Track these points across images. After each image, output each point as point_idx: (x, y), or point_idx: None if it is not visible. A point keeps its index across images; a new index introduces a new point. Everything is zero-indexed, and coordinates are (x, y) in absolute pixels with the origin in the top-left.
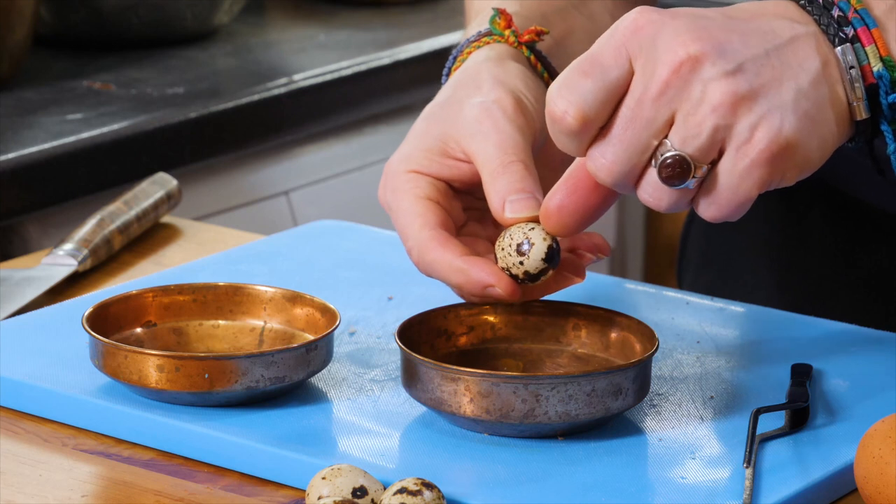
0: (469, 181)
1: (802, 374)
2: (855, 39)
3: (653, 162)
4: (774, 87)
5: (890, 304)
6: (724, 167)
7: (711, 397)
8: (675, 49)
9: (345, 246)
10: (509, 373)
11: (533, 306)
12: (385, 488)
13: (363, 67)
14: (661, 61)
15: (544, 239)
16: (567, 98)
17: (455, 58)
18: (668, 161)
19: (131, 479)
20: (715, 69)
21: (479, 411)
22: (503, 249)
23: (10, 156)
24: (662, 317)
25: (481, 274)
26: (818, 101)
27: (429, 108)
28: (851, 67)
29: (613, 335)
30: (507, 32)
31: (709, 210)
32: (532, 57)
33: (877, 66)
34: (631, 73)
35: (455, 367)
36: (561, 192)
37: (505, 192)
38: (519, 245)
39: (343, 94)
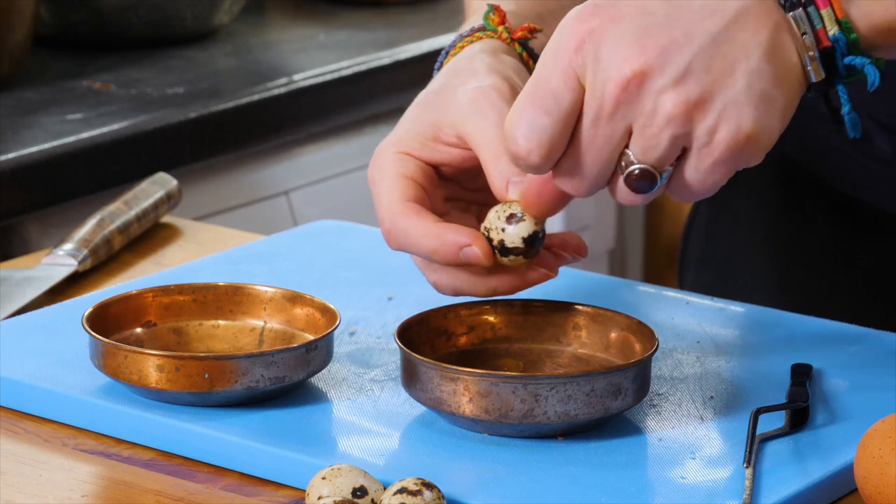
0: (458, 167)
1: (802, 374)
2: (810, 2)
3: (619, 171)
4: (727, 80)
5: (890, 303)
6: (689, 167)
7: (711, 397)
8: (620, 65)
9: (345, 246)
10: (508, 373)
11: (533, 306)
12: (385, 488)
13: (363, 67)
14: (608, 78)
15: (535, 224)
16: (528, 137)
17: (447, 52)
18: (634, 172)
19: (131, 479)
20: (663, 79)
21: (479, 411)
22: (496, 212)
23: (10, 156)
24: (662, 317)
25: (456, 235)
26: (773, 76)
27: (422, 96)
28: (804, 34)
29: (613, 335)
30: (500, 28)
31: (680, 196)
32: (524, 53)
33: (832, 30)
34: (583, 91)
35: (454, 366)
36: (538, 180)
37: (508, 173)
38: (512, 214)
39: (343, 94)
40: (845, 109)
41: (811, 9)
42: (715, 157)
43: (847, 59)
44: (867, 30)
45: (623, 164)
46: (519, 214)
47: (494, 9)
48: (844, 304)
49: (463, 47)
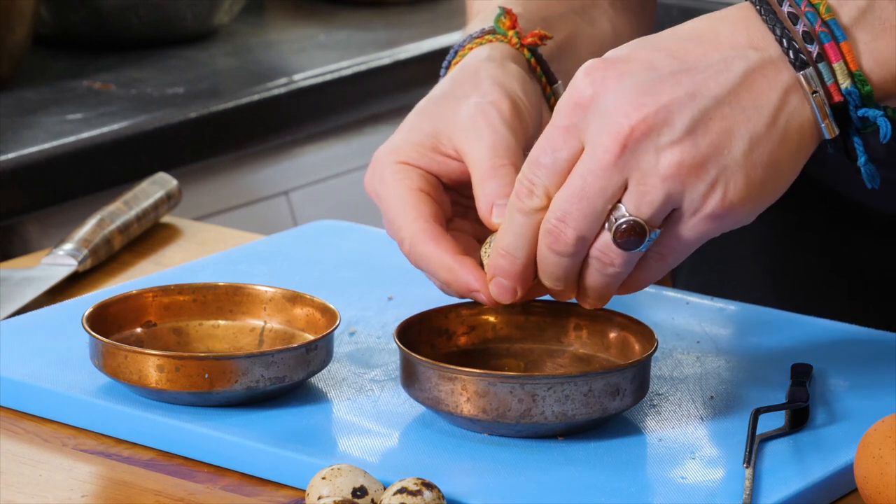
0: (458, 179)
1: (802, 374)
2: (821, 58)
3: (606, 226)
4: (725, 145)
5: (883, 302)
6: (678, 231)
7: (711, 397)
8: (620, 121)
9: (345, 246)
10: (506, 372)
11: (533, 306)
12: (385, 488)
13: (363, 67)
14: (608, 133)
15: None
16: (530, 179)
17: (456, 52)
18: (624, 226)
19: (131, 479)
20: (662, 139)
21: (476, 411)
22: (490, 257)
23: (10, 156)
24: (662, 317)
25: (469, 277)
26: (775, 141)
27: (423, 103)
28: (815, 92)
29: (613, 335)
30: (510, 33)
31: (661, 258)
32: (532, 60)
33: (845, 84)
34: (581, 148)
35: (452, 366)
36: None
37: (493, 196)
38: None
39: (343, 94)
40: (861, 161)
41: (822, 65)
42: (704, 221)
43: (860, 112)
44: (881, 80)
45: (613, 217)
46: None
47: (506, 12)
48: (838, 305)
49: (471, 49)
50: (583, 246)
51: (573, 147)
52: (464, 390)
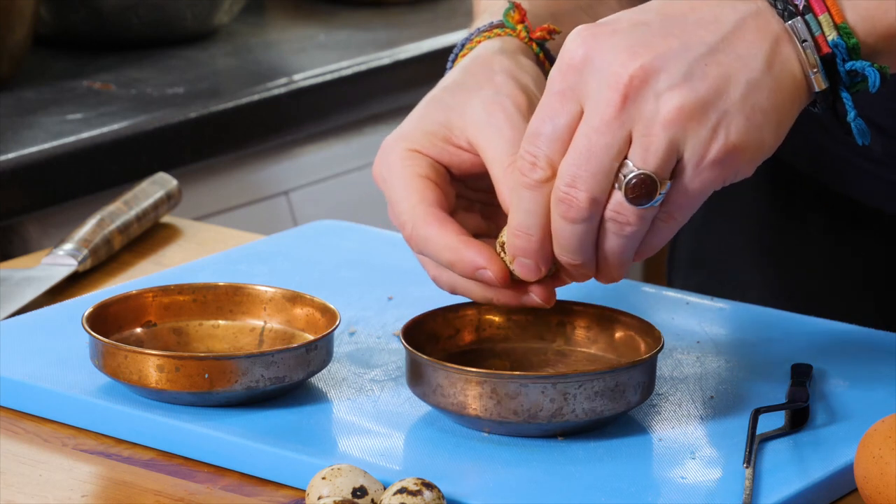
0: (467, 171)
1: (802, 374)
2: (807, 10)
3: (616, 185)
4: (723, 89)
5: (881, 302)
6: (684, 183)
7: (711, 397)
8: (618, 71)
9: (345, 246)
10: (537, 373)
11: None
12: (385, 488)
13: (363, 67)
14: (608, 85)
15: None
16: (531, 151)
17: (463, 45)
18: (634, 181)
19: (131, 479)
20: (660, 84)
21: (508, 413)
22: (507, 238)
23: (10, 156)
24: (662, 317)
25: (475, 255)
26: (771, 87)
27: (435, 92)
28: (804, 41)
29: (619, 334)
30: (519, 27)
31: (669, 215)
32: (541, 54)
33: (831, 36)
34: (580, 111)
35: (480, 370)
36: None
37: None
38: None
39: (343, 94)
40: (851, 116)
41: (809, 16)
42: (705, 166)
43: (848, 65)
44: (866, 34)
45: (622, 175)
46: None
47: (515, 6)
48: (837, 304)
49: (480, 42)
50: (596, 209)
51: (571, 111)
52: (493, 393)
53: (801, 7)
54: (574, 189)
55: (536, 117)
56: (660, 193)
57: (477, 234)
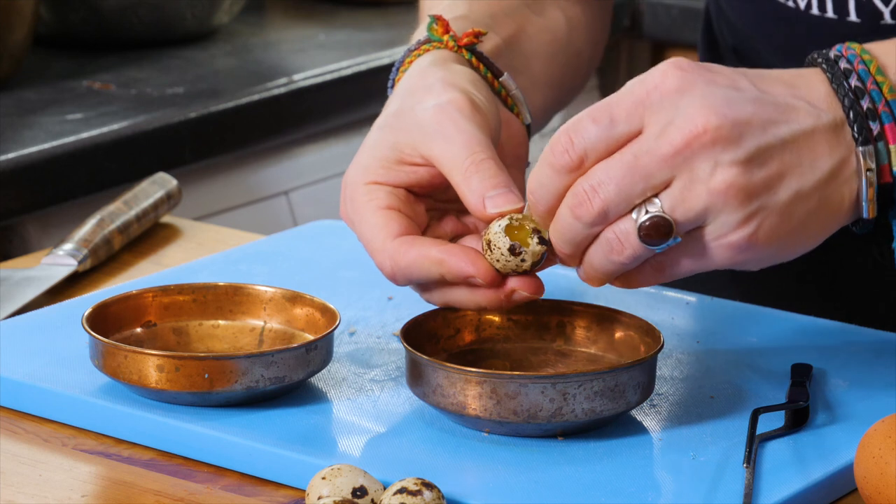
0: (428, 185)
1: (802, 374)
2: (881, 136)
3: (633, 214)
4: (774, 186)
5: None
6: (693, 247)
7: (711, 397)
8: (696, 119)
9: (345, 246)
10: (535, 373)
11: (538, 305)
12: (385, 488)
13: (363, 67)
14: (679, 126)
15: (531, 232)
16: (569, 139)
17: (397, 69)
18: (654, 219)
19: (131, 479)
20: (726, 154)
21: (507, 413)
22: (498, 261)
23: (10, 156)
24: (662, 317)
25: (459, 262)
26: (818, 203)
27: (381, 120)
28: (869, 170)
29: (619, 334)
30: (445, 38)
31: (650, 274)
32: (473, 59)
33: None
34: (639, 131)
35: (479, 370)
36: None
37: (482, 190)
38: (511, 248)
39: (343, 94)
40: None
41: (881, 144)
42: (726, 248)
43: None
44: None
45: (645, 208)
46: (514, 244)
47: (437, 19)
48: (836, 304)
49: (411, 62)
50: (602, 221)
51: (633, 126)
52: (493, 393)
53: (875, 133)
54: (594, 192)
55: (593, 111)
56: (667, 242)
57: (458, 236)
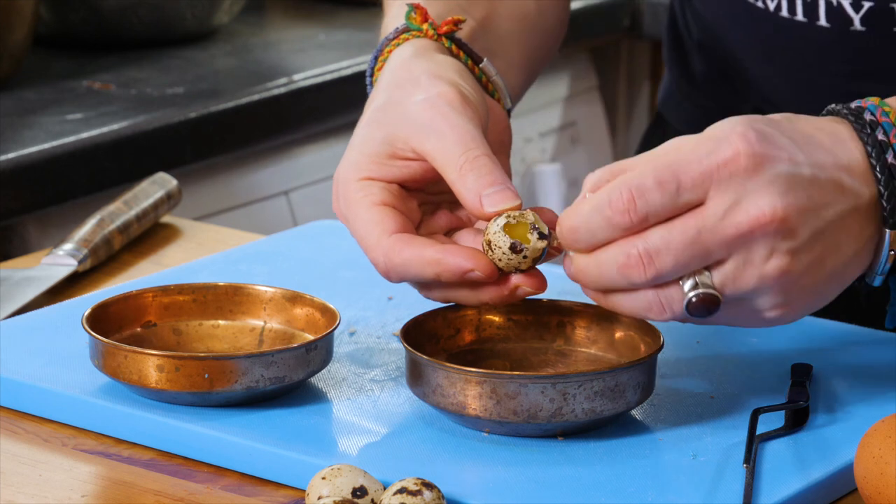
0: (421, 179)
1: (802, 374)
2: None
3: (683, 283)
4: (815, 270)
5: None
6: (730, 311)
7: (711, 397)
8: (762, 205)
9: (345, 246)
10: (535, 373)
11: (539, 305)
12: (385, 488)
13: (363, 67)
14: (745, 209)
15: (530, 228)
16: (631, 198)
17: (376, 58)
18: (705, 296)
19: (131, 479)
20: (784, 243)
21: (507, 413)
22: (500, 260)
23: (10, 156)
24: None
25: (457, 258)
26: (841, 279)
27: (369, 115)
28: (892, 251)
29: (619, 334)
30: (424, 26)
31: (657, 312)
32: (454, 47)
33: None
34: (702, 201)
35: (479, 370)
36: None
37: (478, 188)
38: (512, 246)
39: (343, 94)
40: (893, 300)
41: None
42: (757, 318)
43: None
44: None
45: (696, 279)
46: (515, 242)
47: (415, 7)
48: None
49: (391, 52)
50: (650, 285)
51: (697, 196)
52: (493, 393)
53: None
54: (650, 259)
55: (662, 173)
56: (710, 315)
57: (452, 230)
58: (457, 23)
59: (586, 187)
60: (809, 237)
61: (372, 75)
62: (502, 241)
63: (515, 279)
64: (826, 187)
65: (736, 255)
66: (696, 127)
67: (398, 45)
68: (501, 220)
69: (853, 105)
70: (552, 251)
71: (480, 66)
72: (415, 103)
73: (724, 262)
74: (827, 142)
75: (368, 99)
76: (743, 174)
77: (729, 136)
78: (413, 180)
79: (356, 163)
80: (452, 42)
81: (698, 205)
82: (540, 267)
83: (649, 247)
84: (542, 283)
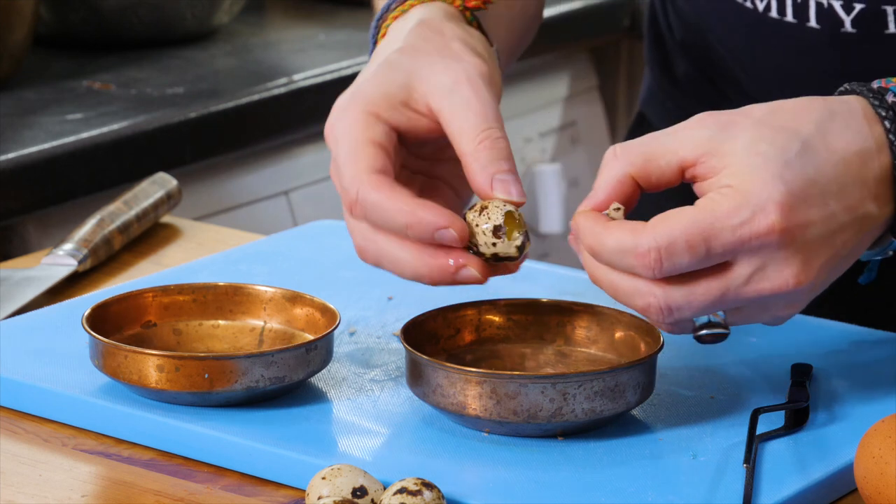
0: (420, 137)
1: (802, 374)
2: None
3: (695, 318)
4: (823, 280)
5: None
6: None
7: (711, 397)
8: (787, 277)
9: (345, 246)
10: (535, 373)
11: (538, 305)
12: (385, 488)
13: (363, 67)
14: (769, 278)
15: (520, 230)
16: (659, 258)
17: (389, 8)
18: (716, 335)
19: (131, 479)
20: (801, 300)
21: (507, 413)
22: (478, 226)
23: (10, 156)
24: None
25: (431, 214)
26: (834, 273)
27: (389, 55)
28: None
29: (619, 334)
30: None
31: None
32: (474, 23)
33: None
34: (730, 262)
35: (480, 370)
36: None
37: (493, 169)
38: (496, 228)
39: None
40: (865, 272)
41: None
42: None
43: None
44: None
45: (709, 319)
46: (503, 227)
47: None
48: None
49: (413, 6)
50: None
51: (725, 259)
52: (493, 393)
53: None
54: (669, 312)
55: (694, 238)
56: (714, 344)
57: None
58: (487, 2)
59: (608, 172)
60: (826, 278)
61: (378, 27)
62: (495, 217)
63: (466, 258)
64: (852, 228)
65: (753, 306)
66: None
67: (424, 3)
68: (508, 207)
69: (874, 86)
70: (509, 265)
71: (492, 48)
72: (444, 64)
73: (741, 309)
74: (855, 164)
75: (382, 43)
76: (774, 246)
77: (766, 205)
78: (413, 135)
79: (369, 95)
80: (474, 19)
81: (725, 263)
82: (538, 264)
83: (670, 302)
84: (486, 276)
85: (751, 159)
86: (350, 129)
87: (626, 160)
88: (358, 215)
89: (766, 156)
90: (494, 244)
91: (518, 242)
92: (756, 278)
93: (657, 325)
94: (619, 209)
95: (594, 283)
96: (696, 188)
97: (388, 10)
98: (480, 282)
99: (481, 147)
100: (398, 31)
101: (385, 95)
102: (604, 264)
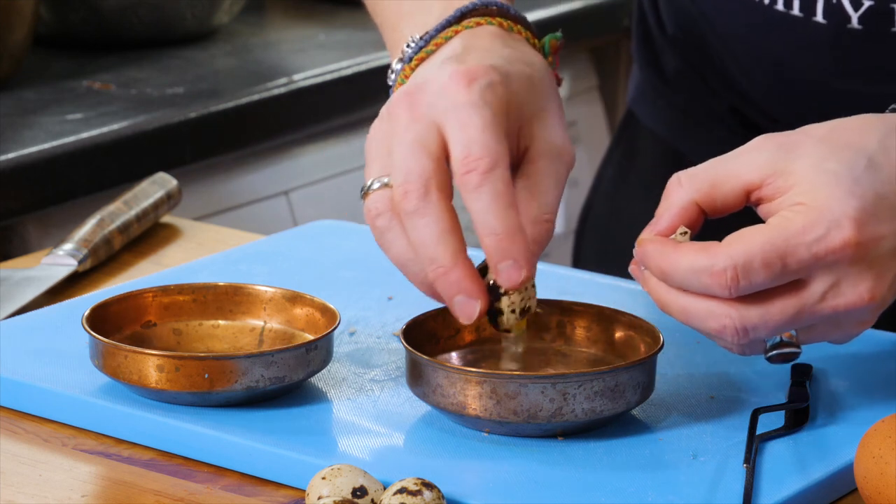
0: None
1: (802, 374)
2: None
3: (767, 339)
4: (883, 303)
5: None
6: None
7: (711, 397)
8: (861, 293)
9: (345, 246)
10: (535, 373)
11: (539, 304)
12: (385, 488)
13: (363, 67)
14: (845, 294)
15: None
16: (735, 277)
17: (460, 17)
18: (788, 354)
19: (131, 479)
20: (872, 316)
21: (507, 413)
22: (509, 296)
23: (10, 156)
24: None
25: (463, 283)
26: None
27: (495, 60)
28: None
29: (618, 334)
30: (550, 59)
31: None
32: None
33: None
34: (806, 279)
35: (480, 370)
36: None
37: (538, 251)
38: (524, 311)
39: (343, 94)
40: None
41: None
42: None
43: None
44: None
45: (781, 338)
46: (529, 311)
47: (549, 41)
48: None
49: (480, 24)
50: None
51: (800, 276)
52: (493, 393)
53: None
54: (745, 332)
55: (770, 255)
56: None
57: None
58: (558, 50)
59: (673, 198)
60: (877, 308)
61: (441, 33)
62: (528, 301)
63: (484, 307)
64: None
65: (826, 323)
66: (669, 126)
67: (490, 23)
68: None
69: None
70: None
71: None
72: (547, 92)
73: (814, 327)
74: None
75: (443, 44)
76: (848, 262)
77: (840, 220)
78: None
79: (505, 70)
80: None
81: (799, 280)
82: (538, 264)
83: (746, 322)
84: (473, 317)
85: (820, 177)
86: (489, 87)
87: (691, 187)
88: (400, 194)
89: (836, 173)
90: (511, 314)
91: (524, 326)
92: (831, 295)
93: (729, 348)
94: (685, 233)
95: (663, 310)
96: (763, 210)
97: (455, 21)
98: (462, 322)
99: (537, 230)
100: (486, 33)
101: (494, 110)
102: (675, 287)
